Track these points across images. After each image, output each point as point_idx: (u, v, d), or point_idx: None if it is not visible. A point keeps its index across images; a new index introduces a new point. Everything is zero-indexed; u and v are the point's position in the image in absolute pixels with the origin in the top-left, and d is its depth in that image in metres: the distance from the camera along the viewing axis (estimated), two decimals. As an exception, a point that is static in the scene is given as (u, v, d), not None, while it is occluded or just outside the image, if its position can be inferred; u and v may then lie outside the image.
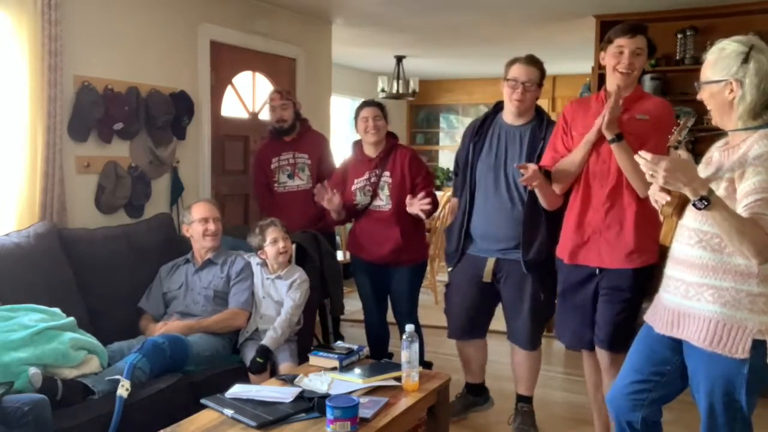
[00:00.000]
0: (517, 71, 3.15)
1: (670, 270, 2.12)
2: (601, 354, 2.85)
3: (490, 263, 3.23)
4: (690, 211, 2.02)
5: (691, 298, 2.01)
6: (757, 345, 1.91)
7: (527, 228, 3.11)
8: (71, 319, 2.80)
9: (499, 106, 3.31)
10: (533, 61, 3.18)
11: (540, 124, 3.20)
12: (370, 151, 3.68)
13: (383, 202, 3.62)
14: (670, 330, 2.08)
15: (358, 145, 3.78)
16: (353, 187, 3.68)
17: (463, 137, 3.41)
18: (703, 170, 2.10)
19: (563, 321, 2.97)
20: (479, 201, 3.24)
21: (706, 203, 1.83)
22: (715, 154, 2.12)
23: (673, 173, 1.84)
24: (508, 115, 3.24)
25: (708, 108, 2.07)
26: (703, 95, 2.06)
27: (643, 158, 1.90)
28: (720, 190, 1.94)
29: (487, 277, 3.24)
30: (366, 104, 3.73)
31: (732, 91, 1.97)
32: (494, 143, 3.23)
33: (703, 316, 1.98)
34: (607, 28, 4.86)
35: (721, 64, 2.00)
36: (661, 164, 1.85)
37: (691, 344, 2.02)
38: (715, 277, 1.97)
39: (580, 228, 2.80)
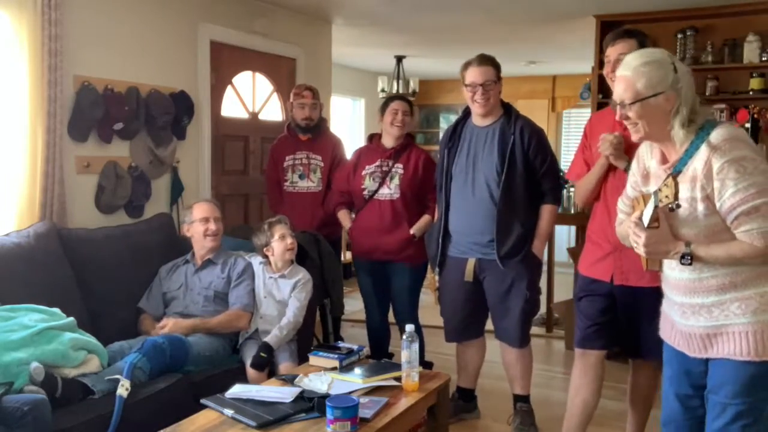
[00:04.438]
0: (473, 74, 3.19)
1: (679, 297, 2.05)
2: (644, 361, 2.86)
3: (471, 263, 3.25)
4: None
5: (718, 317, 1.97)
6: None
7: (500, 224, 3.14)
8: (71, 319, 2.80)
9: (468, 110, 3.34)
10: (485, 60, 3.22)
11: (508, 120, 3.22)
12: (388, 142, 3.75)
13: (391, 190, 3.67)
14: (705, 353, 2.01)
15: (376, 136, 3.86)
16: (363, 172, 3.74)
17: (440, 145, 3.46)
18: (642, 183, 2.14)
19: (583, 328, 2.85)
20: (455, 203, 3.28)
21: (690, 258, 1.91)
22: (651, 164, 2.11)
23: (653, 245, 1.95)
24: (476, 118, 3.29)
25: (630, 125, 1.99)
26: (633, 113, 1.95)
27: (632, 229, 1.98)
28: (700, 209, 1.92)
29: (468, 276, 3.26)
30: (397, 97, 3.81)
31: (668, 101, 1.93)
32: (465, 146, 3.27)
33: (737, 331, 1.93)
34: (607, 28, 4.94)
35: (653, 77, 1.94)
36: (642, 238, 1.94)
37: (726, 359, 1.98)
38: (734, 290, 1.94)
39: (602, 242, 2.73)
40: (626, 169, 2.58)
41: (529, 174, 3.16)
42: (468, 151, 3.26)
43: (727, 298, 1.95)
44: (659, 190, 1.87)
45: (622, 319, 2.75)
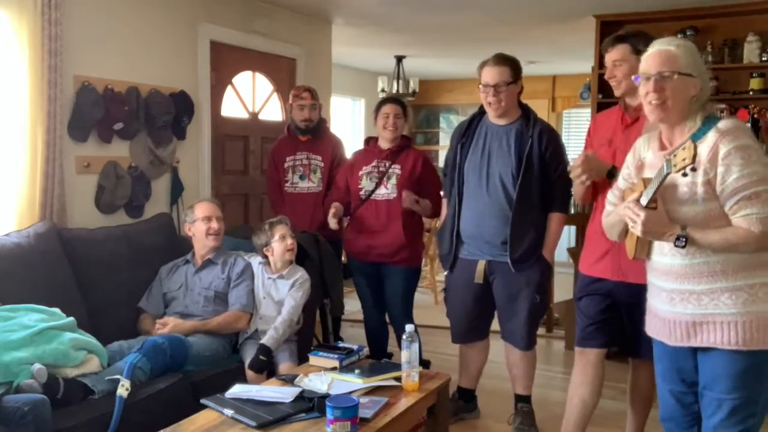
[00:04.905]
0: (487, 75, 3.16)
1: (668, 284, 2.07)
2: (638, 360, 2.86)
3: (481, 265, 3.24)
4: None
5: (707, 305, 1.99)
6: None
7: (515, 227, 3.12)
8: (71, 319, 2.80)
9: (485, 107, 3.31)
10: (502, 60, 3.16)
11: (527, 122, 3.19)
12: (384, 144, 3.75)
13: (388, 190, 3.66)
14: (687, 341, 2.05)
15: (372, 139, 3.86)
16: (360, 173, 3.73)
17: (451, 139, 3.42)
18: (635, 174, 2.18)
19: (583, 327, 2.86)
20: (467, 202, 3.25)
21: (684, 240, 1.93)
22: (647, 155, 2.16)
23: (651, 225, 1.97)
24: (492, 116, 3.25)
25: (657, 100, 2.01)
26: (670, 86, 2.00)
27: (629, 208, 2.01)
28: (699, 193, 1.96)
29: (478, 278, 3.25)
30: (388, 101, 3.78)
31: (695, 86, 2.02)
32: (480, 143, 3.24)
33: (726, 321, 1.96)
34: (607, 28, 4.94)
35: (691, 59, 2.03)
36: (641, 216, 1.96)
37: (713, 348, 2.00)
38: (725, 279, 1.97)
39: (600, 240, 2.72)
40: (609, 175, 2.62)
41: (544, 178, 3.14)
42: (483, 147, 3.22)
43: (717, 287, 1.98)
44: (673, 155, 1.89)
45: (624, 318, 2.76)
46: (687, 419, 2.18)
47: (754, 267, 1.96)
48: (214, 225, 3.39)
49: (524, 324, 3.24)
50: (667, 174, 1.90)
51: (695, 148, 1.84)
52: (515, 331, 3.27)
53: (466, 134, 3.30)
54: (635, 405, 2.95)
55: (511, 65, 3.17)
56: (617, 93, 2.76)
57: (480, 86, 3.18)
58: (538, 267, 3.21)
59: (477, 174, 3.21)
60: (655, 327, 2.17)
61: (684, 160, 1.84)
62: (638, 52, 2.70)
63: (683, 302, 2.03)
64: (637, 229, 2.00)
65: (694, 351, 2.08)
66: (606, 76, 2.79)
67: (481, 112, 3.32)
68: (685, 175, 1.89)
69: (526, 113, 3.24)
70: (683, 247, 1.94)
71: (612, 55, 2.73)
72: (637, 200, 2.01)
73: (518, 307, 3.23)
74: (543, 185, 3.15)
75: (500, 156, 3.17)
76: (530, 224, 3.15)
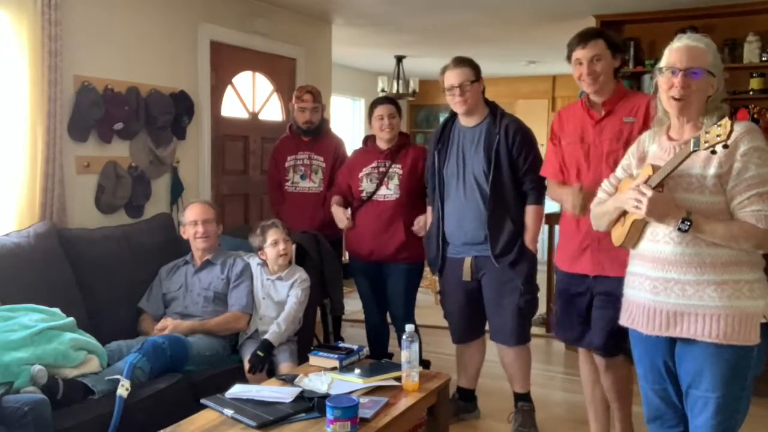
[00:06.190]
0: (450, 77, 3.24)
1: (653, 271, 2.07)
2: (598, 358, 2.86)
3: (468, 262, 3.27)
4: None
5: (691, 296, 2.00)
6: (763, 327, 1.97)
7: (491, 223, 3.16)
8: (71, 319, 2.80)
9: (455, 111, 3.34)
10: (461, 62, 3.26)
11: (494, 119, 3.24)
12: (382, 145, 3.75)
13: (390, 191, 3.67)
14: (666, 330, 2.05)
15: (370, 138, 3.86)
16: (360, 174, 3.73)
17: (428, 146, 3.47)
18: (636, 165, 2.20)
19: (561, 320, 2.95)
20: (449, 205, 3.30)
21: (688, 224, 1.94)
22: (651, 148, 2.17)
23: (656, 205, 1.96)
24: (463, 119, 3.31)
25: (682, 95, 2.01)
26: (696, 82, 2.00)
27: (635, 189, 2.00)
28: (708, 185, 1.98)
29: (466, 275, 3.27)
30: (380, 101, 3.78)
31: (712, 86, 2.03)
32: (455, 148, 3.29)
33: (709, 313, 1.97)
34: (607, 28, 4.93)
35: (716, 60, 2.04)
36: (648, 194, 1.95)
37: (694, 341, 2.01)
38: (713, 272, 1.98)
39: (577, 237, 2.78)
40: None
41: (515, 172, 3.18)
42: (457, 152, 3.28)
43: (704, 279, 1.99)
44: (706, 132, 1.88)
45: (593, 309, 2.78)
46: (673, 418, 2.18)
47: (741, 264, 1.99)
48: (200, 229, 3.38)
49: (511, 319, 3.23)
50: (693, 152, 1.91)
51: (732, 125, 1.83)
52: (503, 326, 3.27)
53: (441, 140, 3.35)
54: (618, 401, 2.92)
55: (471, 65, 3.26)
56: (593, 89, 2.72)
57: (445, 91, 3.25)
58: (522, 259, 3.21)
59: (455, 177, 3.27)
60: (631, 315, 2.17)
61: (719, 136, 1.84)
62: (614, 47, 2.72)
63: (666, 291, 2.04)
64: (642, 209, 1.98)
65: (672, 345, 2.08)
66: (579, 73, 2.72)
67: (453, 116, 3.37)
68: (714, 152, 1.89)
69: (494, 111, 3.28)
70: (686, 231, 1.95)
71: (589, 51, 2.69)
72: (644, 183, 2.01)
73: (505, 302, 3.23)
74: (515, 178, 3.18)
75: (472, 156, 3.22)
76: (506, 218, 3.18)
